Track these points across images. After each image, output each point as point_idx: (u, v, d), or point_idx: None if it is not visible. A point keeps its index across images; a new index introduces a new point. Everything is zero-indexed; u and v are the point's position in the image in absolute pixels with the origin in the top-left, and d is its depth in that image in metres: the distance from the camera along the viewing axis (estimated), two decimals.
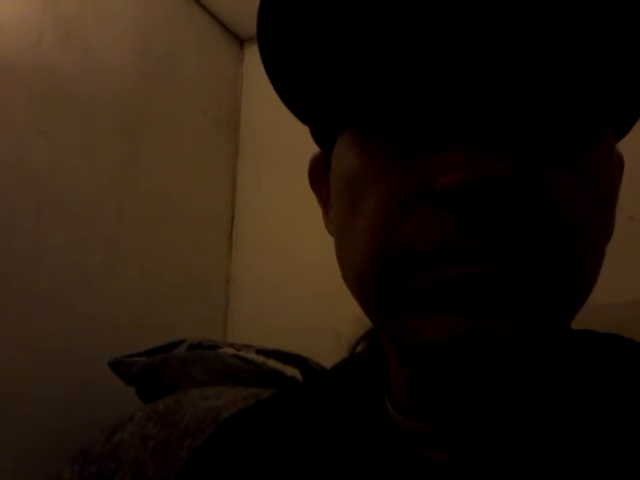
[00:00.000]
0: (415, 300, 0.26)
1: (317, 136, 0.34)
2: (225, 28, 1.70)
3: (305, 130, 0.35)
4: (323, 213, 0.36)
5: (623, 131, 0.31)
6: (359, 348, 0.40)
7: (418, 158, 0.26)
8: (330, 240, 0.34)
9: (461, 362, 0.25)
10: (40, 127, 1.18)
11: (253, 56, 1.72)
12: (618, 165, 0.32)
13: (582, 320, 0.30)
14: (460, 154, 0.24)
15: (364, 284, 0.28)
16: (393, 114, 0.27)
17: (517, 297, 0.25)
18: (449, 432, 0.30)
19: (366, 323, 0.38)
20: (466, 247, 0.24)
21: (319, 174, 0.35)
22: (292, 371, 1.09)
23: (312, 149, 0.36)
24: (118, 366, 1.12)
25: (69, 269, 1.20)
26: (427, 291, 0.25)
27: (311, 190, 0.37)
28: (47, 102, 1.20)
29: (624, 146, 0.33)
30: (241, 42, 1.75)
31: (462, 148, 0.24)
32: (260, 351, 1.14)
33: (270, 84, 0.31)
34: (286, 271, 1.50)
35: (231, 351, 1.14)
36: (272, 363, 1.11)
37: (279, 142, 1.57)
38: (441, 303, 0.25)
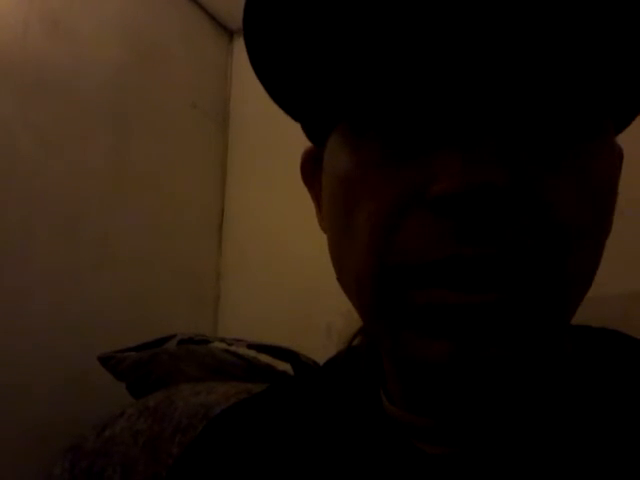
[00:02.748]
0: (411, 319, 0.26)
1: (309, 132, 0.33)
2: (214, 20, 1.68)
3: (296, 124, 0.34)
4: (316, 208, 0.35)
5: (623, 125, 0.31)
6: (355, 342, 0.39)
7: (413, 162, 0.26)
8: (321, 234, 0.33)
9: (454, 380, 0.26)
10: (27, 120, 1.16)
11: (243, 48, 1.68)
12: (618, 159, 0.31)
13: (576, 314, 0.30)
14: (457, 159, 0.24)
15: (361, 297, 0.28)
16: (388, 115, 0.26)
17: (510, 321, 0.25)
18: (444, 426, 0.30)
19: (357, 318, 0.38)
20: (461, 257, 0.24)
21: (311, 168, 0.35)
22: (283, 366, 1.09)
23: (303, 142, 0.36)
24: (108, 361, 1.11)
25: (58, 264, 1.18)
26: (422, 313, 0.25)
27: (302, 183, 0.37)
28: (34, 94, 1.18)
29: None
30: (230, 34, 1.74)
31: (459, 153, 0.24)
32: (251, 346, 1.14)
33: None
34: (277, 265, 1.50)
35: (222, 346, 1.14)
36: (263, 358, 1.10)
37: (269, 135, 1.56)
38: (435, 326, 0.25)
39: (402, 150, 0.26)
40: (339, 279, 0.30)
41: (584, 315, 0.33)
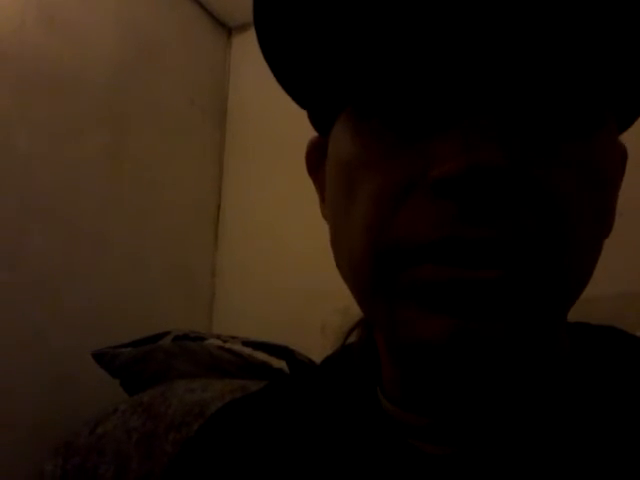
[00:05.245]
0: (408, 295, 0.25)
1: (315, 120, 0.33)
2: (212, 16, 1.68)
3: (293, 120, 0.34)
4: (319, 198, 0.35)
5: (627, 122, 0.31)
6: (351, 339, 0.39)
7: (415, 145, 0.26)
8: (318, 232, 0.33)
9: (454, 362, 0.25)
10: (23, 115, 1.16)
11: (241, 45, 1.70)
12: (621, 157, 0.31)
13: (570, 314, 0.30)
14: (458, 142, 0.24)
15: (358, 274, 0.28)
16: (391, 99, 0.26)
17: (511, 298, 0.24)
18: (443, 425, 0.30)
19: (352, 316, 0.37)
20: (461, 238, 0.24)
21: (316, 158, 0.35)
22: (279, 363, 1.09)
23: (301, 139, 0.35)
24: (102, 357, 1.11)
25: (53, 260, 1.18)
26: (420, 288, 0.25)
27: (299, 181, 0.36)
28: (30, 89, 1.18)
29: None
30: (229, 31, 1.74)
31: (460, 136, 0.24)
32: (246, 343, 1.13)
33: (258, 73, 0.30)
34: (272, 263, 1.50)
35: (217, 343, 1.14)
36: (259, 355, 1.10)
37: (266, 132, 1.56)
38: (435, 302, 0.25)
39: (404, 134, 0.26)
40: (337, 263, 0.30)
41: (579, 315, 0.33)
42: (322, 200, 0.34)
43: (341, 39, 0.27)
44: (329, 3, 0.26)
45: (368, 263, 0.26)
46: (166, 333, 1.16)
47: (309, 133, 0.35)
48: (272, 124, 1.52)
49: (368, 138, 0.27)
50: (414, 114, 0.26)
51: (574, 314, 0.31)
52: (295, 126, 0.35)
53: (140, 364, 1.08)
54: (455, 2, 0.24)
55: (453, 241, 0.24)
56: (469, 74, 0.25)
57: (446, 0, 0.24)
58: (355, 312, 0.33)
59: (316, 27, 0.27)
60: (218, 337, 1.18)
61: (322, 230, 0.34)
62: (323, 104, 0.30)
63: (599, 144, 0.27)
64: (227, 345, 1.13)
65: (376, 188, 0.26)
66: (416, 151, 0.26)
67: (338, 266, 0.30)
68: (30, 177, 1.16)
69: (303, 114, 0.34)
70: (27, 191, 1.15)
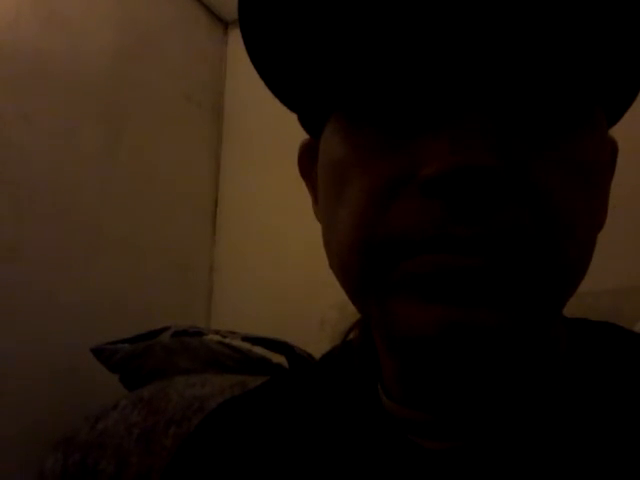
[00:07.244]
0: (399, 288, 0.26)
1: (305, 123, 0.34)
2: (209, 10, 1.67)
3: (290, 115, 0.34)
4: (312, 200, 0.35)
5: (616, 117, 0.31)
6: (351, 336, 0.39)
7: (404, 145, 0.26)
8: (316, 226, 0.33)
9: (447, 352, 0.25)
10: (20, 110, 1.15)
11: (238, 39, 1.69)
12: (611, 152, 0.32)
13: (568, 308, 0.30)
14: (447, 142, 0.24)
15: (349, 272, 0.28)
16: (379, 100, 0.27)
17: (502, 286, 0.25)
18: (443, 421, 0.30)
19: (351, 311, 0.38)
20: (451, 236, 0.24)
21: (308, 161, 0.35)
22: (278, 358, 1.09)
23: (298, 134, 0.36)
24: (101, 353, 1.11)
25: (50, 255, 1.18)
26: (410, 280, 0.25)
27: (297, 175, 0.37)
28: (27, 84, 1.17)
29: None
30: (225, 25, 1.73)
31: (449, 136, 0.24)
32: (246, 338, 1.14)
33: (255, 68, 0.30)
34: (271, 257, 1.50)
35: (216, 338, 1.14)
36: (258, 350, 1.10)
37: (264, 127, 1.56)
38: (425, 292, 0.25)
39: (394, 135, 0.26)
40: (330, 263, 0.30)
41: (576, 309, 0.33)
42: (315, 202, 0.35)
43: (328, 43, 0.27)
44: (314, 8, 0.26)
45: (358, 261, 0.27)
46: (165, 329, 1.16)
47: None
48: (269, 119, 1.51)
49: (358, 139, 0.27)
50: (403, 115, 0.26)
51: (572, 308, 0.31)
52: (292, 121, 0.35)
53: (139, 360, 1.09)
54: (441, 3, 0.24)
55: (443, 238, 0.24)
56: (457, 73, 0.25)
57: (432, 2, 0.24)
58: (353, 307, 0.34)
59: (302, 31, 0.27)
60: (217, 332, 1.18)
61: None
62: (312, 107, 0.31)
63: (588, 140, 0.27)
64: (226, 340, 1.13)
65: (365, 188, 0.26)
66: (405, 151, 0.26)
67: (331, 266, 0.30)
68: (26, 172, 1.15)
69: None
70: (23, 186, 1.15)
